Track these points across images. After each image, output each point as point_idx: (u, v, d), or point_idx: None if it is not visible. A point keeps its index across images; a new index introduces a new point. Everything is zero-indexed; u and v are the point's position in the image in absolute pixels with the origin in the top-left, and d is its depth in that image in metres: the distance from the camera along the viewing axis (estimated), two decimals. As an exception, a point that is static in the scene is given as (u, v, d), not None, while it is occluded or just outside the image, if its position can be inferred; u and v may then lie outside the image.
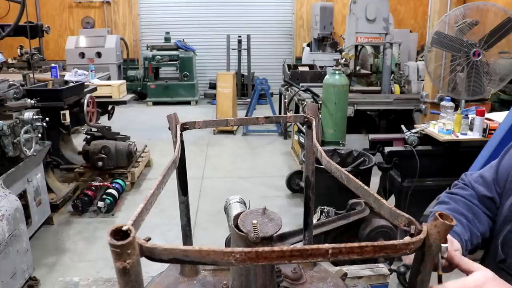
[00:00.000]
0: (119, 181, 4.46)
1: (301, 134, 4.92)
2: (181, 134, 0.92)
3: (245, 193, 4.78)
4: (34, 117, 3.24)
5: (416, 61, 6.65)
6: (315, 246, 0.48)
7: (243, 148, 6.55)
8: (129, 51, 10.18)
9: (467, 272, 0.85)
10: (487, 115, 3.43)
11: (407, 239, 0.53)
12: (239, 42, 9.13)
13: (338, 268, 1.24)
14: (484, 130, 3.30)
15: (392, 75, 6.06)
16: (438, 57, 3.97)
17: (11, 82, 3.55)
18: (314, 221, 1.23)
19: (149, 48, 9.57)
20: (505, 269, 1.04)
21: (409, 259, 0.95)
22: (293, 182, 4.57)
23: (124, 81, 6.18)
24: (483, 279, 0.82)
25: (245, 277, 0.83)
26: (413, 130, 3.62)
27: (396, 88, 5.81)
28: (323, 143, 4.42)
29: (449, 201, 1.19)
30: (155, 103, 9.48)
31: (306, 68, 7.26)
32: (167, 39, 9.63)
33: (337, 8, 10.23)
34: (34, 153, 3.26)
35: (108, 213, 4.07)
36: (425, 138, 3.57)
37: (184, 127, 0.95)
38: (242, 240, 0.78)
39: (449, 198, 1.21)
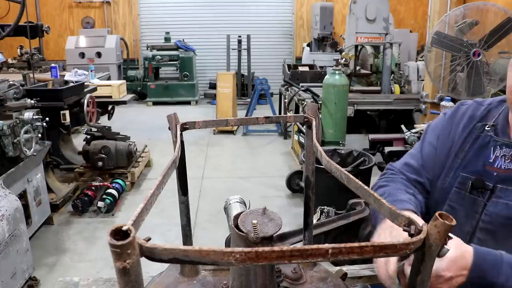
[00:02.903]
0: (119, 181, 4.45)
1: (301, 134, 4.92)
2: (181, 134, 0.92)
3: (245, 193, 4.78)
4: (34, 117, 3.24)
5: (416, 61, 6.64)
6: (315, 246, 0.48)
7: (243, 148, 6.55)
8: (129, 51, 10.18)
9: None
10: (487, 115, 3.42)
11: (406, 238, 0.53)
12: (239, 42, 9.13)
13: (338, 268, 1.24)
14: (484, 130, 3.29)
15: (392, 75, 6.06)
16: (438, 57, 3.97)
17: (11, 82, 3.55)
18: (314, 221, 1.23)
19: (149, 48, 9.56)
20: None
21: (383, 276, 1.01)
22: (293, 182, 4.56)
23: (124, 81, 6.18)
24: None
25: (245, 277, 0.83)
26: (413, 130, 3.63)
27: (396, 88, 5.81)
28: (323, 143, 4.42)
29: (387, 183, 1.30)
30: (155, 103, 9.48)
31: (306, 68, 7.26)
32: (167, 39, 9.62)
33: (337, 8, 10.23)
34: (34, 153, 3.26)
35: (108, 213, 4.07)
36: (425, 138, 3.57)
37: (184, 127, 0.95)
38: (242, 240, 0.78)
39: (386, 181, 1.32)
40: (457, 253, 0.93)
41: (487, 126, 1.20)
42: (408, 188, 1.26)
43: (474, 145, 1.20)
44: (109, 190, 4.19)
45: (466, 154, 1.21)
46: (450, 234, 0.90)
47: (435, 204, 1.25)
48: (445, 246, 0.85)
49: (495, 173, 1.15)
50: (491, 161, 1.16)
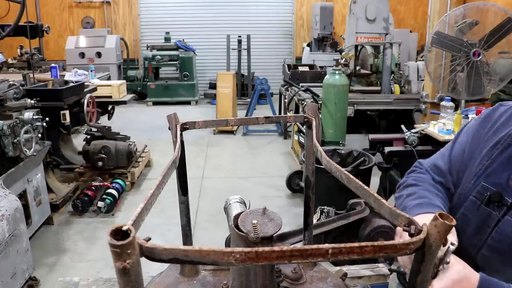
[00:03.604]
0: (119, 181, 4.45)
1: (301, 134, 4.92)
2: (181, 134, 0.92)
3: (245, 193, 4.76)
4: (34, 117, 3.24)
5: (416, 61, 6.64)
6: (315, 246, 0.48)
7: (243, 148, 6.55)
8: (129, 51, 10.18)
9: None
10: (487, 115, 3.42)
11: (406, 238, 0.53)
12: (239, 42, 9.13)
13: (338, 268, 1.24)
14: (484, 130, 3.29)
15: (392, 75, 6.06)
16: (438, 57, 3.97)
17: (11, 82, 3.55)
18: (314, 221, 1.23)
19: (149, 48, 9.57)
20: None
21: (402, 261, 1.00)
22: (293, 182, 4.56)
23: (124, 81, 6.18)
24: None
25: (245, 277, 0.83)
26: (413, 130, 3.63)
27: (396, 88, 5.81)
28: (323, 143, 4.42)
29: (417, 182, 1.23)
30: (155, 103, 9.48)
31: (306, 68, 7.26)
32: (167, 39, 9.62)
33: (337, 8, 10.23)
34: (34, 153, 3.26)
35: (108, 213, 4.07)
36: (425, 138, 3.58)
37: (184, 127, 0.95)
38: (242, 240, 0.78)
39: (416, 180, 1.24)
40: (461, 274, 0.91)
41: None
42: (438, 191, 1.19)
43: (502, 154, 1.08)
44: (109, 190, 4.19)
45: (492, 162, 1.09)
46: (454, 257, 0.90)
47: (451, 208, 1.18)
48: (446, 245, 0.86)
49: None
50: None
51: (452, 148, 1.25)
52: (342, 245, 0.48)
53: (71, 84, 4.35)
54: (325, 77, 4.65)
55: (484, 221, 1.08)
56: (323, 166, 0.79)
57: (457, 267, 0.90)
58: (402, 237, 1.03)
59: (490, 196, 1.07)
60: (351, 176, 0.69)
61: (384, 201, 0.61)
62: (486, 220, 1.08)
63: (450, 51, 3.75)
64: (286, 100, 6.01)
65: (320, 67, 7.26)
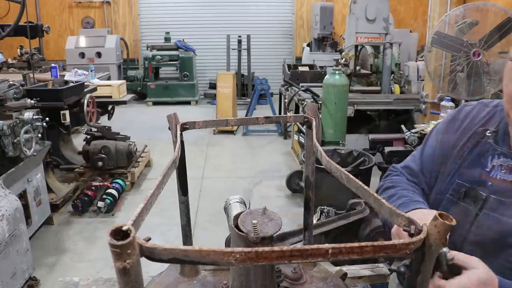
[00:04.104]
0: (119, 181, 4.45)
1: (301, 134, 4.92)
2: (181, 134, 0.92)
3: (245, 193, 4.78)
4: (34, 117, 3.23)
5: (416, 61, 6.64)
6: (315, 246, 0.48)
7: (243, 148, 6.55)
8: (129, 51, 10.18)
9: (462, 267, 0.87)
10: (487, 115, 3.42)
11: (405, 238, 0.53)
12: (239, 42, 9.13)
13: (338, 268, 1.24)
14: (484, 130, 3.29)
15: (392, 75, 6.05)
16: (438, 57, 3.98)
17: (11, 82, 3.55)
18: (314, 221, 1.24)
19: (149, 48, 9.57)
20: None
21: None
22: (293, 182, 4.56)
23: (124, 81, 6.18)
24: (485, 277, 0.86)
25: (245, 277, 0.83)
26: (413, 130, 3.63)
27: (396, 88, 5.81)
28: (323, 143, 4.42)
29: (394, 184, 1.28)
30: (155, 103, 9.48)
31: (306, 68, 7.26)
32: (167, 39, 9.62)
33: (337, 8, 10.23)
34: (34, 153, 3.26)
35: (108, 213, 4.07)
36: (425, 138, 3.57)
37: (184, 127, 0.95)
38: (242, 240, 0.78)
39: (392, 182, 1.29)
40: (488, 276, 0.88)
41: (488, 132, 1.13)
42: (415, 189, 1.23)
43: (473, 151, 1.15)
44: (109, 190, 4.19)
45: (464, 160, 1.16)
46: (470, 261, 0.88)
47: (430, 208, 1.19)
48: (447, 248, 0.85)
49: (490, 183, 1.09)
50: (488, 170, 1.11)
51: (423, 150, 1.31)
52: (342, 245, 0.48)
53: (71, 84, 4.35)
54: (325, 77, 4.65)
55: (462, 216, 1.11)
56: (323, 166, 0.79)
57: (484, 269, 0.88)
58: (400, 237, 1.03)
59: (465, 192, 1.12)
60: (351, 176, 0.69)
61: (384, 201, 0.61)
62: (465, 216, 1.11)
63: (450, 51, 3.75)
64: (286, 100, 6.01)
65: (320, 67, 7.26)
